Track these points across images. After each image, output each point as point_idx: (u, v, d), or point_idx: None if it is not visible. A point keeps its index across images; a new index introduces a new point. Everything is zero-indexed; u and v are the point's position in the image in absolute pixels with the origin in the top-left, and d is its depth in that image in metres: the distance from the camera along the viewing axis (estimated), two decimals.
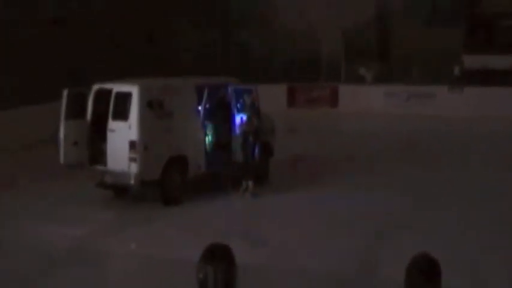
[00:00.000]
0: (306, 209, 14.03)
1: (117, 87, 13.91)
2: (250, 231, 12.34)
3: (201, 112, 14.91)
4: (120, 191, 14.42)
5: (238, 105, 15.21)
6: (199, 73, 20.09)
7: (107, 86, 14.11)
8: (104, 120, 13.77)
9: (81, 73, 21.60)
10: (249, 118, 14.82)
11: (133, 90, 13.61)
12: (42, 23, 23.72)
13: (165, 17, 30.27)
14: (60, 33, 23.74)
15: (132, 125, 13.47)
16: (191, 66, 27.04)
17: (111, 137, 13.71)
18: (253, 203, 14.45)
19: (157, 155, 13.76)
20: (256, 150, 14.89)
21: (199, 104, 14.90)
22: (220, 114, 15.46)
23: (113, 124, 13.72)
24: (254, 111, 14.94)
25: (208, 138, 15.19)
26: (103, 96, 13.91)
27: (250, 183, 14.69)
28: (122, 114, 13.61)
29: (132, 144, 13.40)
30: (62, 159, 14.14)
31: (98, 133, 13.89)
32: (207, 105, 15.22)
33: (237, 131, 15.00)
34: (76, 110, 14.12)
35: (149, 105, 13.70)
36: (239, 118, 15.09)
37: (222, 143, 15.27)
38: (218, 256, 3.55)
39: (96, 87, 14.23)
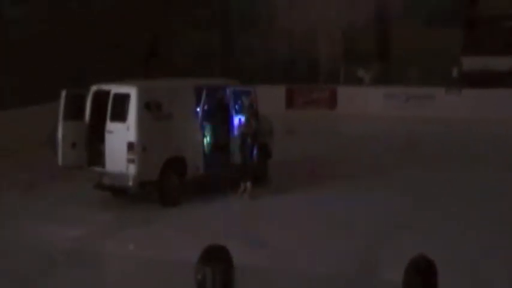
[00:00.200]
0: (305, 210, 14.02)
1: (115, 89, 13.90)
2: (249, 233, 12.33)
3: (200, 113, 14.90)
4: (118, 192, 14.40)
5: (236, 106, 15.21)
6: (198, 74, 20.13)
7: (105, 87, 14.10)
8: (102, 122, 13.76)
9: (80, 74, 21.57)
10: (247, 120, 14.82)
11: (132, 91, 13.60)
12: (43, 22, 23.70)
13: (165, 18, 30.27)
14: (60, 33, 23.71)
15: (130, 127, 13.45)
16: (190, 68, 27.01)
17: (109, 139, 13.70)
18: (252, 205, 14.44)
19: (156, 156, 13.74)
20: (255, 152, 14.89)
21: (197, 106, 14.89)
22: (219, 116, 15.46)
23: (111, 125, 13.70)
24: (252, 113, 14.93)
25: (207, 140, 15.18)
26: (101, 98, 13.90)
27: (249, 184, 14.68)
28: (120, 115, 13.60)
29: (130, 146, 13.38)
30: (60, 161, 14.12)
31: (96, 134, 13.88)
32: (206, 107, 15.22)
33: (236, 132, 15.00)
34: (74, 111, 14.11)
35: (147, 106, 13.69)
36: (237, 120, 15.08)
37: (221, 145, 15.27)
38: (216, 257, 3.55)
39: (94, 88, 14.22)
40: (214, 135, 15.35)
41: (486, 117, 25.31)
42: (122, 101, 13.63)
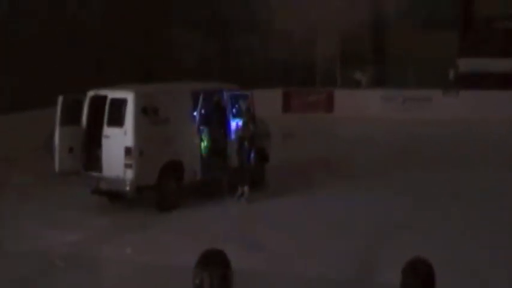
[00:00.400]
0: (302, 213, 14.02)
1: (112, 94, 13.89)
2: (246, 237, 12.32)
3: (197, 117, 14.90)
4: (115, 197, 14.38)
5: (233, 110, 15.21)
6: (195, 78, 20.10)
7: (102, 92, 14.08)
8: (99, 127, 13.74)
9: (77, 79, 21.55)
10: (244, 124, 14.81)
11: (129, 96, 13.59)
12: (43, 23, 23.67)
13: (163, 23, 30.28)
14: (60, 33, 23.71)
15: (127, 131, 13.44)
16: (188, 72, 27.01)
17: (106, 144, 13.69)
18: (249, 208, 14.43)
19: (153, 160, 13.73)
20: (252, 156, 14.88)
21: (194, 110, 14.89)
22: (216, 120, 15.46)
23: (108, 130, 13.69)
24: (250, 116, 14.93)
25: (204, 144, 15.17)
26: (98, 103, 13.88)
27: (246, 188, 14.68)
28: (117, 120, 13.59)
29: (128, 151, 13.37)
30: (56, 167, 14.05)
31: (93, 139, 13.86)
32: (203, 111, 15.22)
33: (233, 136, 14.99)
34: (71, 116, 14.08)
35: (144, 111, 13.68)
36: (235, 123, 15.08)
37: (218, 149, 15.26)
38: (214, 261, 3.54)
39: (91, 93, 14.20)
40: (211, 139, 15.34)
41: (483, 119, 25.36)
42: (119, 106, 13.62)
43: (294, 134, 22.79)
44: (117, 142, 13.48)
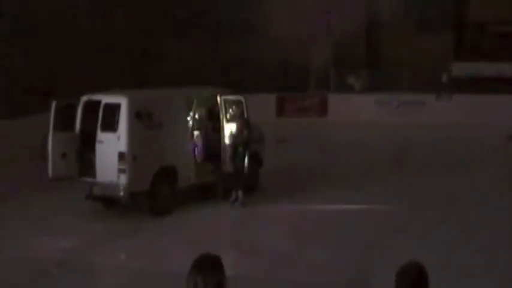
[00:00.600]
0: (297, 218, 14.01)
1: (106, 99, 13.86)
2: (241, 241, 12.30)
3: (191, 123, 14.85)
4: (109, 202, 14.33)
5: (227, 115, 15.19)
6: (189, 83, 20.10)
7: (96, 97, 14.05)
8: (92, 132, 13.71)
9: (69, 82, 21.55)
10: (238, 129, 14.79)
11: (122, 101, 13.56)
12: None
13: (156, 27, 30.31)
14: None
15: (121, 137, 13.41)
16: (181, 77, 27.01)
17: (100, 149, 13.65)
18: (244, 213, 14.41)
19: (147, 166, 13.70)
20: (246, 161, 14.87)
21: (188, 115, 14.85)
22: (210, 125, 15.44)
23: (101, 135, 13.65)
24: (244, 122, 14.92)
25: (198, 149, 15.14)
26: (92, 108, 13.85)
27: (240, 193, 14.65)
28: (110, 125, 13.56)
29: (121, 156, 13.33)
30: (50, 173, 13.99)
31: (87, 145, 13.82)
32: (197, 116, 15.19)
33: (227, 141, 14.97)
34: (65, 121, 14.03)
35: (138, 116, 13.65)
36: (229, 129, 15.06)
37: (212, 154, 15.23)
38: (208, 267, 3.52)
39: (84, 98, 14.17)
40: (205, 145, 15.32)
41: (477, 123, 25.41)
42: (112, 110, 13.58)
43: (287, 139, 22.82)
44: (110, 147, 13.44)
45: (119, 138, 13.40)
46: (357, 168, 18.74)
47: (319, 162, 19.81)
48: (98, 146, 13.66)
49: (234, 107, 15.27)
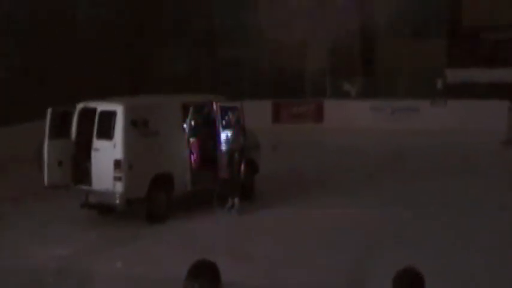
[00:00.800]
0: (293, 224, 14.01)
1: (102, 106, 13.86)
2: (237, 248, 12.29)
3: (187, 130, 14.88)
4: (105, 210, 14.31)
5: (223, 122, 15.19)
6: (185, 90, 20.10)
7: (92, 104, 14.05)
8: (88, 139, 13.70)
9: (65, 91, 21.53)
10: (234, 135, 14.80)
11: (118, 109, 13.56)
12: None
13: (151, 35, 30.32)
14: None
15: (116, 144, 13.40)
16: (177, 84, 27.02)
17: (95, 156, 13.64)
18: (240, 220, 14.41)
19: (143, 173, 13.69)
20: (242, 167, 14.88)
21: (184, 122, 14.87)
22: (206, 132, 15.45)
23: (97, 143, 13.65)
24: (239, 128, 14.93)
25: (194, 156, 15.14)
26: (87, 115, 13.85)
27: (237, 200, 14.66)
28: (106, 133, 13.55)
29: (117, 163, 13.32)
30: (45, 181, 13.95)
31: (83, 152, 13.80)
32: (193, 123, 15.20)
33: (223, 148, 14.98)
34: (60, 129, 14.02)
35: (134, 123, 13.65)
36: (224, 135, 15.07)
37: (208, 161, 15.23)
38: (204, 273, 3.53)
39: (80, 106, 14.17)
40: (201, 151, 15.32)
41: (471, 129, 25.45)
42: (108, 118, 13.58)
43: (280, 145, 22.76)
44: (106, 155, 13.44)
45: (114, 146, 13.40)
46: (352, 173, 18.76)
47: (315, 168, 19.81)
48: (93, 154, 13.64)
49: (230, 113, 15.27)
